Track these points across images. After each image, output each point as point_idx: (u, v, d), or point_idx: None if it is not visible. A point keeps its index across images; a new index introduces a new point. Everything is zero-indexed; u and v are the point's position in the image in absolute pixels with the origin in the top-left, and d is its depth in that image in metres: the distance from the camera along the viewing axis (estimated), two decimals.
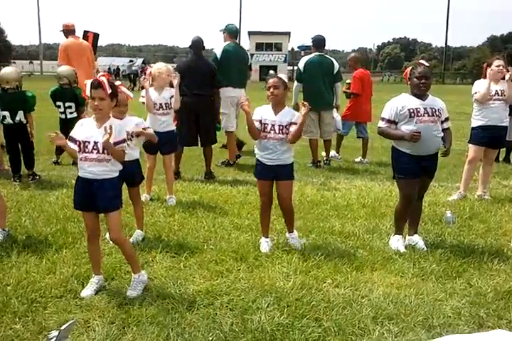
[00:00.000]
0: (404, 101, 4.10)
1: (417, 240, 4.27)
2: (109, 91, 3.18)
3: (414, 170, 4.13)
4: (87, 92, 3.16)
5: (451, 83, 56.87)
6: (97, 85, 3.15)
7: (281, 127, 4.01)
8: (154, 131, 4.86)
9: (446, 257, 3.98)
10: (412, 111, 4.02)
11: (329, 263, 3.84)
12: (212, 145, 7.14)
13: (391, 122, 4.11)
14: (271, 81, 4.03)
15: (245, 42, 68.31)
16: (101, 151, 3.18)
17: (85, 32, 9.78)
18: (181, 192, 5.91)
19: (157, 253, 3.99)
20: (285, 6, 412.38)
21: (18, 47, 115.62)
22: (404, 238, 4.34)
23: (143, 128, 4.21)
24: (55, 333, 2.64)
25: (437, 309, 3.19)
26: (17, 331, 2.87)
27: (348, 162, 8.26)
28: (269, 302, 3.21)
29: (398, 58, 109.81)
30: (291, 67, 53.48)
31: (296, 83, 7.77)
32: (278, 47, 65.87)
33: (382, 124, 4.17)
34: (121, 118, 3.85)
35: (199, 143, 6.99)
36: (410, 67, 4.23)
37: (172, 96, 5.48)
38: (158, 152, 5.57)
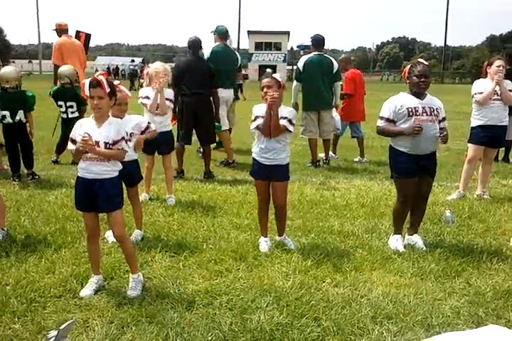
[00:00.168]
0: (403, 100, 4.10)
1: (417, 240, 4.27)
2: (108, 90, 3.18)
3: (411, 169, 4.13)
4: (86, 92, 3.16)
5: (450, 82, 56.94)
6: (95, 84, 3.15)
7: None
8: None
9: (445, 257, 3.99)
10: (410, 110, 4.03)
11: (328, 263, 3.85)
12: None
13: (390, 121, 4.11)
14: (264, 81, 4.01)
15: (245, 42, 68.46)
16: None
17: (77, 32, 9.80)
18: (180, 192, 5.91)
19: (156, 253, 3.99)
20: (284, 5, 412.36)
21: (17, 47, 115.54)
22: (404, 237, 4.34)
23: (146, 127, 4.21)
24: (54, 333, 2.64)
25: (436, 308, 3.19)
26: (16, 331, 2.86)
27: (347, 162, 8.26)
28: (268, 301, 3.22)
29: (397, 58, 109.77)
30: (290, 67, 53.52)
31: (295, 82, 7.78)
32: (277, 47, 65.86)
33: (380, 123, 4.16)
34: (122, 118, 3.85)
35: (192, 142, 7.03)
36: (409, 66, 4.22)
37: (167, 99, 5.46)
38: (156, 152, 5.57)
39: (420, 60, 4.28)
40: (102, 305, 3.16)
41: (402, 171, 4.21)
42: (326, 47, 8.19)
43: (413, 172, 4.15)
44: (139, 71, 30.08)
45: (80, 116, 7.22)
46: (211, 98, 6.86)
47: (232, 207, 5.32)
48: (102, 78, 3.19)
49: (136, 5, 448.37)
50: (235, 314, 3.08)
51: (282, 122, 3.96)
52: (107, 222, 4.18)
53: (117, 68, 49.19)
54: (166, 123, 5.56)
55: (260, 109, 4.05)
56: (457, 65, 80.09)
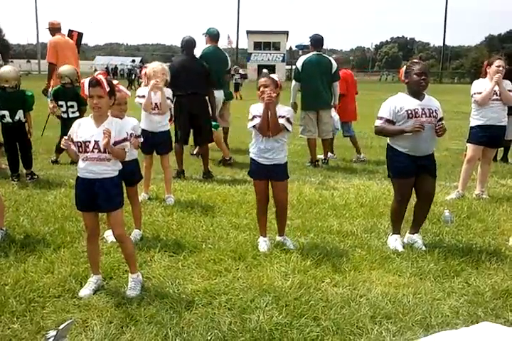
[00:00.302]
0: (402, 102, 4.06)
1: (416, 239, 4.27)
2: (108, 89, 3.18)
3: (409, 169, 4.13)
4: (85, 91, 3.15)
5: (448, 82, 57.01)
6: (95, 83, 3.15)
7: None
8: (149, 131, 4.85)
9: (444, 256, 3.99)
10: (410, 112, 4.00)
11: (327, 263, 3.85)
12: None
13: (389, 122, 4.09)
14: (261, 80, 4.02)
15: (244, 42, 68.47)
16: (102, 150, 3.18)
17: (70, 31, 9.81)
18: (180, 192, 5.91)
19: (155, 253, 3.99)
20: (283, 5, 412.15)
21: (16, 46, 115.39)
22: (403, 236, 4.34)
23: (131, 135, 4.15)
24: (53, 333, 2.64)
25: (435, 308, 3.19)
26: (15, 331, 2.86)
27: (345, 161, 8.26)
28: (267, 301, 3.22)
29: (396, 57, 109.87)
30: (289, 67, 53.52)
31: (294, 82, 7.78)
32: (276, 47, 65.90)
33: (379, 123, 4.13)
34: (121, 118, 3.85)
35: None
36: (405, 66, 4.19)
37: (168, 98, 5.46)
38: (154, 152, 5.56)
39: (415, 60, 4.28)
40: (101, 304, 3.16)
41: (399, 171, 4.21)
42: (324, 47, 8.20)
43: (410, 172, 4.14)
44: (138, 71, 30.13)
45: (81, 116, 7.21)
46: (207, 98, 6.86)
47: (231, 206, 5.32)
48: (102, 77, 3.19)
49: (135, 5, 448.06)
50: (234, 314, 3.08)
51: (281, 121, 3.96)
52: (106, 221, 4.19)
53: (116, 68, 49.13)
54: (165, 123, 5.55)
55: (257, 109, 4.05)
56: (456, 64, 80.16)
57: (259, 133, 4.03)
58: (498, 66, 5.53)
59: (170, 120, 5.90)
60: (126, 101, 4.09)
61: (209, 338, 2.82)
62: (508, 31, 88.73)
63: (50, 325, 2.91)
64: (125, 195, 4.12)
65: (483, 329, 1.30)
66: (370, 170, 7.44)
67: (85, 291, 3.29)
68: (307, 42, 8.10)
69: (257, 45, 65.94)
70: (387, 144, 4.27)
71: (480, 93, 5.65)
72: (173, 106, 5.65)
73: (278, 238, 4.30)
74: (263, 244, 4.17)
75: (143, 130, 4.72)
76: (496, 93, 5.62)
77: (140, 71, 28.65)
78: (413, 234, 4.33)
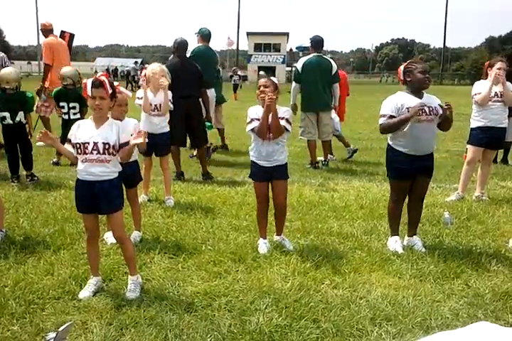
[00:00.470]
0: (403, 100, 4.04)
1: (416, 241, 4.27)
2: (110, 91, 3.19)
3: (408, 171, 4.12)
4: (88, 92, 3.15)
5: (449, 84, 56.98)
6: (98, 84, 3.16)
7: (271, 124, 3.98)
8: (149, 133, 4.84)
9: (444, 258, 3.98)
10: (410, 109, 4.00)
11: (327, 265, 3.84)
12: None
13: (392, 117, 4.03)
14: (261, 80, 4.02)
15: (244, 43, 68.54)
16: (101, 152, 3.18)
17: (62, 32, 9.84)
18: (179, 193, 5.91)
19: (155, 255, 3.99)
20: (284, 6, 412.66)
21: (17, 48, 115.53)
22: (403, 239, 4.34)
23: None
24: (52, 335, 2.64)
25: (435, 310, 3.19)
26: (14, 332, 2.86)
27: (346, 163, 8.26)
28: (267, 303, 3.21)
29: (396, 59, 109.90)
30: (289, 68, 53.58)
31: (294, 84, 7.78)
32: (276, 48, 66.00)
33: (383, 120, 4.07)
34: (121, 120, 3.86)
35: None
36: (404, 66, 4.13)
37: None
38: (153, 153, 5.57)
39: (415, 60, 4.27)
40: (101, 306, 3.15)
41: (398, 173, 4.21)
42: (325, 48, 8.21)
43: (409, 174, 4.14)
44: (138, 72, 30.17)
45: (82, 118, 7.22)
46: (200, 99, 6.87)
47: (231, 208, 5.32)
48: (105, 79, 3.20)
49: (135, 6, 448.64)
50: (234, 316, 3.08)
51: (282, 122, 3.96)
52: (105, 223, 4.19)
53: (116, 69, 49.14)
54: (164, 125, 5.55)
55: (255, 111, 4.04)
56: (456, 66, 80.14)
57: (258, 136, 4.02)
58: (499, 68, 5.53)
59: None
60: (127, 103, 4.09)
61: (209, 340, 2.82)
62: (509, 32, 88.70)
63: (50, 326, 2.90)
64: (125, 196, 4.13)
65: (481, 329, 1.30)
66: (370, 172, 7.44)
67: (85, 293, 3.29)
68: (307, 43, 8.10)
69: (258, 47, 66.04)
70: (388, 145, 4.26)
71: (480, 94, 5.65)
72: (172, 107, 5.65)
73: (276, 237, 4.30)
74: (263, 245, 4.16)
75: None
76: (497, 94, 5.62)
77: (140, 72, 28.78)
78: (412, 236, 4.33)
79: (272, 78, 4.08)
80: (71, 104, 7.22)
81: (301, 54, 41.87)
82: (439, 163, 7.76)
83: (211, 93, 7.68)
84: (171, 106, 5.60)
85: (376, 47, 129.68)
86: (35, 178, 6.43)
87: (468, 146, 5.94)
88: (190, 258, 3.96)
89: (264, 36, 66.19)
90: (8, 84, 6.07)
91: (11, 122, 6.12)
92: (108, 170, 3.24)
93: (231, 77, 29.58)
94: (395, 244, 4.23)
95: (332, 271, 3.74)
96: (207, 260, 3.91)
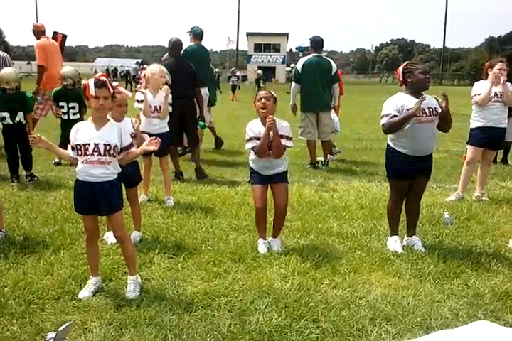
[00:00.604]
0: (403, 101, 4.03)
1: (415, 241, 4.27)
2: (112, 90, 3.20)
3: (408, 172, 4.12)
4: (92, 92, 3.15)
5: (448, 84, 57.02)
6: (101, 84, 3.16)
7: (272, 142, 3.96)
8: (148, 133, 4.84)
9: (443, 258, 3.98)
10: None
11: (327, 264, 3.84)
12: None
13: (394, 117, 4.00)
14: (262, 93, 4.00)
15: (244, 43, 68.56)
16: (102, 153, 3.18)
17: (55, 33, 9.84)
18: (179, 193, 5.91)
19: (155, 255, 3.99)
20: (283, 7, 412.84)
21: (16, 48, 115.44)
22: (403, 239, 4.34)
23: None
24: (52, 334, 2.64)
25: (435, 310, 3.19)
26: (14, 332, 2.86)
27: (345, 163, 8.26)
28: (267, 303, 3.21)
29: (396, 59, 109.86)
30: (289, 69, 53.62)
31: (293, 84, 7.79)
32: (276, 48, 66.05)
33: (386, 120, 4.03)
34: (121, 120, 3.87)
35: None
36: (402, 67, 4.11)
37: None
38: (153, 154, 5.56)
39: (414, 60, 4.27)
40: (101, 306, 3.15)
41: (397, 174, 4.21)
42: (324, 48, 8.21)
43: (408, 175, 4.14)
44: (139, 72, 30.20)
45: (81, 118, 7.22)
46: (194, 99, 6.89)
47: (230, 208, 5.32)
48: (105, 79, 3.21)
49: (135, 6, 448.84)
50: (234, 316, 3.08)
51: (282, 142, 3.96)
52: (105, 223, 4.20)
53: (116, 69, 49.13)
54: (163, 126, 5.55)
55: (254, 128, 4.01)
56: (456, 66, 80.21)
57: (258, 156, 4.02)
58: (500, 69, 5.53)
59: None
60: (126, 103, 4.10)
61: (208, 340, 2.82)
62: (509, 33, 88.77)
63: (50, 326, 2.90)
64: (124, 196, 4.13)
65: (481, 328, 1.30)
66: (369, 172, 7.44)
67: (85, 293, 3.29)
68: (307, 44, 8.11)
69: (257, 47, 66.08)
70: (387, 145, 4.26)
71: (480, 94, 5.65)
72: (171, 109, 5.64)
73: (270, 239, 4.27)
74: (262, 245, 4.16)
75: (141, 132, 4.72)
76: (497, 94, 5.62)
77: (140, 73, 28.82)
78: (411, 236, 4.33)
79: (272, 92, 4.06)
80: (70, 104, 7.23)
81: (300, 54, 41.90)
82: (438, 163, 7.77)
83: (203, 92, 7.70)
84: (170, 108, 5.60)
85: (376, 47, 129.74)
86: (35, 178, 6.43)
87: (468, 146, 5.94)
88: (189, 258, 3.96)
89: (264, 36, 66.26)
90: (8, 85, 6.07)
91: (10, 122, 6.12)
92: (108, 171, 3.24)
93: (229, 77, 29.64)
94: (394, 243, 4.23)
95: (332, 271, 3.73)
96: (207, 260, 3.91)
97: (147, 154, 5.49)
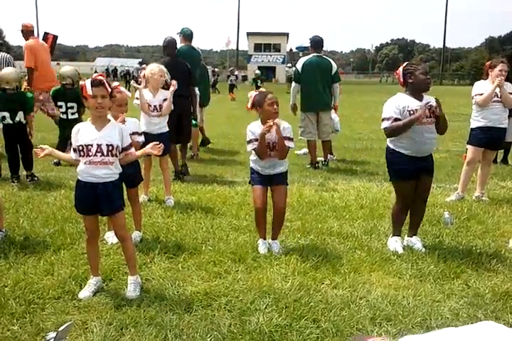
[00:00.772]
0: (404, 102, 4.01)
1: (416, 241, 4.27)
2: (109, 89, 3.19)
3: (410, 172, 4.11)
4: (88, 91, 3.15)
5: (449, 84, 57.02)
6: (98, 83, 3.16)
7: (274, 144, 3.98)
8: (148, 133, 4.85)
9: (444, 258, 3.98)
10: (412, 113, 3.94)
11: (327, 264, 3.85)
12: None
13: (397, 120, 3.97)
14: (272, 97, 3.96)
15: (244, 43, 68.58)
16: (105, 154, 3.18)
17: (46, 34, 9.82)
18: (179, 193, 5.91)
19: (155, 255, 3.99)
20: (284, 6, 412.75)
21: (16, 48, 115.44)
22: (403, 239, 4.34)
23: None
24: (52, 334, 2.64)
25: (435, 310, 3.19)
26: (14, 332, 2.86)
27: (346, 163, 8.26)
28: (267, 303, 3.21)
29: (396, 59, 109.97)
30: (287, 68, 53.67)
31: (294, 84, 7.79)
32: (276, 48, 66.03)
33: (388, 124, 4.00)
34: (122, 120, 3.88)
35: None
36: (402, 68, 4.10)
37: (165, 99, 5.47)
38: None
39: (414, 61, 4.26)
40: (101, 306, 3.15)
41: (400, 174, 4.19)
42: (324, 48, 8.21)
43: (412, 175, 4.13)
44: (139, 72, 30.19)
45: (79, 118, 7.23)
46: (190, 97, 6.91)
47: (231, 208, 5.32)
48: (102, 78, 3.21)
49: (135, 6, 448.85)
50: (234, 316, 3.08)
51: (287, 143, 3.97)
52: (105, 223, 4.20)
53: (116, 69, 49.12)
54: (163, 125, 5.55)
55: (256, 130, 3.99)
56: (456, 66, 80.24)
57: (260, 158, 4.02)
58: (501, 70, 5.52)
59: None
60: (126, 103, 4.10)
61: (209, 340, 2.82)
62: (509, 33, 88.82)
63: (50, 326, 2.90)
64: (125, 196, 4.13)
65: (486, 328, 1.30)
66: (370, 171, 7.44)
67: (85, 293, 3.29)
68: (307, 43, 8.11)
69: (258, 47, 66.06)
70: (387, 147, 4.23)
71: (481, 94, 5.64)
72: (172, 107, 5.64)
73: (270, 241, 4.26)
74: (263, 246, 4.16)
75: (139, 134, 4.72)
76: (497, 95, 5.62)
77: (139, 73, 28.82)
78: (411, 236, 4.33)
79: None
80: (69, 104, 7.24)
81: (301, 54, 41.90)
82: (439, 163, 7.76)
83: (195, 91, 7.72)
84: (172, 107, 5.60)
85: (376, 47, 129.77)
86: (35, 178, 6.43)
87: (468, 146, 5.94)
88: (190, 258, 3.96)
89: (264, 36, 66.23)
90: (8, 84, 6.07)
91: (10, 122, 6.12)
92: (111, 171, 3.24)
93: (228, 76, 29.71)
94: (395, 243, 4.23)
95: (332, 271, 3.73)
96: (207, 260, 3.91)
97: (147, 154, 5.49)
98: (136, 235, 4.36)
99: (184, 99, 6.68)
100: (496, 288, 3.49)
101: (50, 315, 3.05)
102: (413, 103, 4.00)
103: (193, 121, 7.37)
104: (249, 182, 4.28)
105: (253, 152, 4.08)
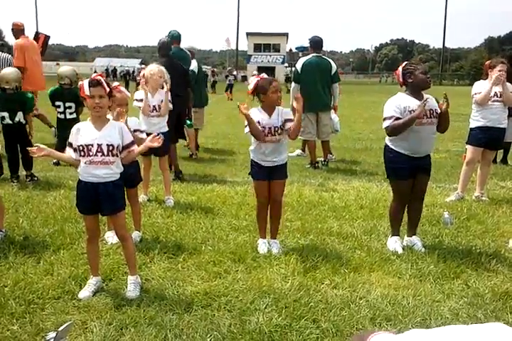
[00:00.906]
0: (405, 102, 4.02)
1: (415, 241, 4.27)
2: (108, 89, 3.19)
3: (408, 171, 4.13)
4: (86, 91, 3.15)
5: (448, 84, 57.03)
6: (96, 83, 3.16)
7: (276, 128, 4.00)
8: (148, 133, 4.83)
9: (443, 258, 3.99)
10: (413, 112, 3.95)
11: (327, 264, 3.85)
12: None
13: (398, 119, 3.98)
14: (276, 84, 4.00)
15: (243, 43, 68.59)
16: (106, 154, 3.18)
17: (37, 33, 9.76)
18: (179, 193, 5.91)
19: (155, 255, 3.99)
20: (283, 7, 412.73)
21: None
22: (403, 239, 4.34)
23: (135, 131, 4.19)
24: (52, 334, 2.64)
25: (435, 310, 3.19)
26: (14, 332, 2.86)
27: (345, 163, 8.26)
28: (267, 303, 3.21)
29: (396, 59, 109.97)
30: (289, 68, 53.64)
31: (293, 84, 7.79)
32: (276, 48, 66.03)
33: (389, 122, 4.00)
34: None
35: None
36: (402, 67, 4.10)
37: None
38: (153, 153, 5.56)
39: (413, 61, 4.27)
40: (101, 306, 3.15)
41: (398, 173, 4.20)
42: (324, 48, 8.21)
43: (409, 174, 4.14)
44: (139, 72, 30.20)
45: (77, 118, 7.23)
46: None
47: (230, 208, 5.32)
48: (101, 78, 3.21)
49: (135, 6, 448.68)
50: (234, 316, 3.08)
51: (290, 124, 4.00)
52: (105, 223, 4.20)
53: (115, 69, 49.11)
54: (163, 125, 5.54)
55: (255, 116, 4.01)
56: (456, 66, 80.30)
57: (256, 139, 4.03)
58: (501, 70, 5.53)
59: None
60: (127, 103, 4.10)
61: (208, 340, 2.82)
62: (508, 33, 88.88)
63: (50, 326, 2.90)
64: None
65: (495, 330, 1.28)
66: (369, 172, 7.44)
67: (85, 293, 3.29)
68: (307, 44, 8.11)
69: (257, 47, 66.07)
70: (386, 146, 4.24)
71: (480, 93, 5.65)
72: (171, 107, 5.63)
73: (270, 240, 4.26)
74: (263, 245, 4.16)
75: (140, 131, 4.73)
76: (497, 94, 5.62)
77: (138, 73, 28.83)
78: (411, 236, 4.33)
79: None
80: (67, 104, 7.23)
81: (300, 54, 41.87)
82: (438, 163, 7.78)
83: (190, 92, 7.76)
84: (171, 106, 5.60)
85: (376, 47, 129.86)
86: (35, 178, 6.43)
87: (468, 146, 5.94)
88: (189, 258, 3.96)
89: (263, 36, 66.22)
90: (8, 84, 6.07)
91: (10, 122, 6.12)
92: (112, 171, 3.24)
93: (226, 77, 29.72)
94: (394, 243, 4.23)
95: (332, 271, 3.73)
96: (207, 260, 3.91)
97: (147, 154, 5.49)
98: (135, 235, 4.36)
99: (181, 99, 6.68)
100: (496, 288, 3.49)
101: (50, 315, 3.05)
102: (413, 103, 4.00)
103: (188, 122, 7.40)
104: (249, 173, 4.28)
105: (252, 138, 4.08)
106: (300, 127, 4.12)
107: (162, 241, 4.33)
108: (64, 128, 6.92)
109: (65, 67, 7.63)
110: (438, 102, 4.11)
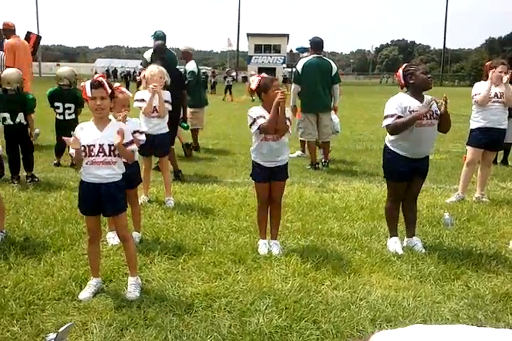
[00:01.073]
0: (406, 102, 4.02)
1: (415, 242, 4.27)
2: (109, 90, 3.19)
3: (406, 173, 4.14)
4: (88, 93, 3.15)
5: (449, 85, 57.02)
6: (97, 85, 3.17)
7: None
8: (148, 134, 4.85)
9: (444, 259, 3.98)
10: (413, 113, 3.97)
11: (327, 265, 3.84)
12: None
13: (399, 118, 3.98)
14: (277, 83, 4.03)
15: (244, 44, 68.61)
16: (107, 154, 3.18)
17: (28, 33, 9.73)
18: (179, 194, 5.91)
19: (155, 256, 3.99)
20: (284, 8, 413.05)
21: None
22: (403, 240, 4.34)
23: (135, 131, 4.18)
24: (52, 335, 2.64)
25: (435, 311, 3.19)
26: (15, 333, 2.86)
27: (346, 164, 8.26)
28: (267, 304, 3.21)
29: (396, 60, 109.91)
30: (289, 69, 53.68)
31: (294, 85, 7.79)
32: (277, 49, 66.07)
33: (391, 121, 3.99)
34: (125, 121, 3.88)
35: None
36: (403, 68, 4.09)
37: (166, 101, 5.46)
38: (153, 154, 5.56)
39: (413, 62, 4.27)
40: (101, 307, 3.15)
41: (395, 175, 4.22)
42: (325, 49, 8.21)
43: (406, 176, 4.16)
44: (140, 73, 30.20)
45: (76, 119, 7.23)
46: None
47: (231, 209, 5.32)
48: (103, 79, 3.22)
49: (135, 7, 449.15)
50: (234, 317, 3.08)
51: (287, 123, 4.00)
52: (106, 224, 4.20)
53: (116, 70, 49.13)
54: (163, 126, 5.54)
55: (258, 111, 4.03)
56: (456, 67, 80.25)
57: (267, 132, 3.97)
58: (501, 71, 5.53)
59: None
60: (128, 104, 4.10)
61: None
62: (509, 34, 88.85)
63: (50, 327, 2.90)
64: None
65: (460, 330, 1.29)
66: (370, 172, 7.44)
67: (85, 294, 3.29)
68: (307, 44, 8.11)
69: (258, 48, 66.13)
70: (385, 146, 4.25)
71: (480, 93, 5.65)
72: (170, 108, 5.63)
73: (271, 241, 4.25)
74: (263, 246, 4.16)
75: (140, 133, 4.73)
76: (497, 95, 5.62)
77: (139, 74, 28.85)
78: (411, 237, 4.33)
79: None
80: (66, 105, 7.23)
81: (301, 55, 41.86)
82: (439, 164, 7.78)
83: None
84: (169, 106, 5.59)
85: (376, 48, 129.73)
86: (36, 179, 6.43)
87: (468, 147, 5.94)
88: (190, 259, 3.96)
89: (264, 37, 66.27)
90: (9, 85, 6.08)
91: (11, 123, 6.13)
92: (114, 172, 3.25)
93: (225, 78, 29.73)
94: (394, 244, 4.23)
95: (332, 272, 3.73)
96: (207, 261, 3.91)
97: (147, 155, 5.50)
98: (135, 236, 4.35)
99: (177, 102, 6.69)
100: (496, 289, 3.49)
101: (50, 316, 3.05)
102: (414, 103, 4.01)
103: (183, 124, 7.41)
104: (250, 175, 4.28)
105: (255, 136, 4.05)
106: (273, 123, 3.93)
107: (162, 242, 4.33)
108: (63, 129, 6.93)
109: (64, 68, 7.64)
110: (437, 103, 4.10)
